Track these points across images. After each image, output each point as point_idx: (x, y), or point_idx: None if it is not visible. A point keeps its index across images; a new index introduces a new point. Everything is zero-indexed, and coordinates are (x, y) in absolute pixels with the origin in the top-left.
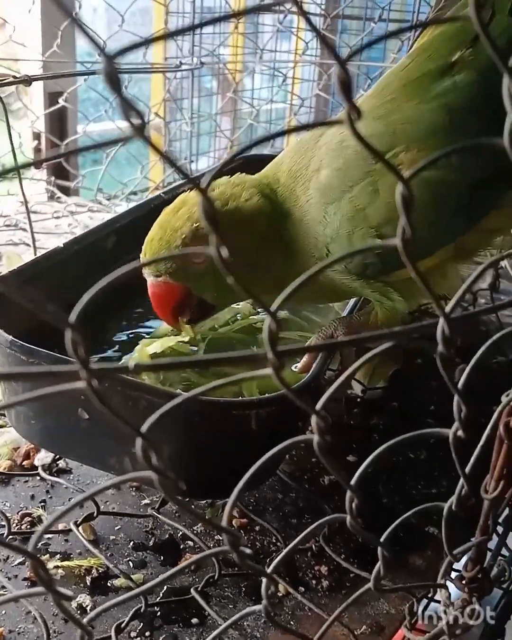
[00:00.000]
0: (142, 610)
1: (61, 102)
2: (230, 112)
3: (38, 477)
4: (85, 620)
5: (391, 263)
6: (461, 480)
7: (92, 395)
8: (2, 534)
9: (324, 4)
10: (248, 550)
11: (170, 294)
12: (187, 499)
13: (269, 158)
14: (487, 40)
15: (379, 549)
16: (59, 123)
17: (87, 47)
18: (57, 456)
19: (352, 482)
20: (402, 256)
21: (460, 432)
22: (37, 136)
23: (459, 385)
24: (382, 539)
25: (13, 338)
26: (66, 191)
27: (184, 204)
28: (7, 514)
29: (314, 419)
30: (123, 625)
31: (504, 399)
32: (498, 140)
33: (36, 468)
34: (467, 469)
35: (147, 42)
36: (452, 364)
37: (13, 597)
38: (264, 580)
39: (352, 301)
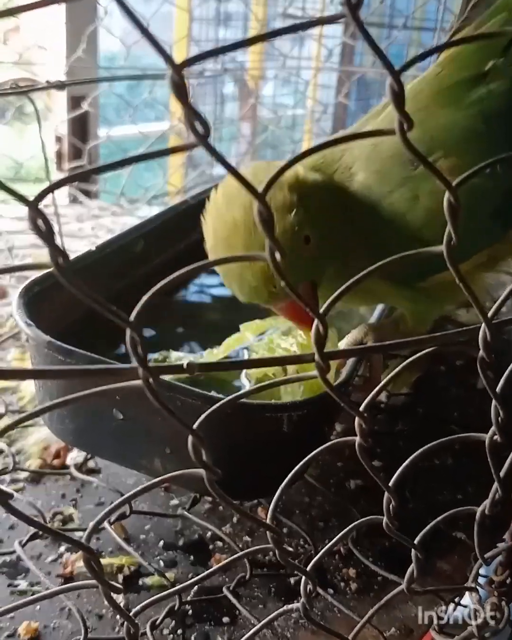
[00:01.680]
0: (176, 608)
1: (85, 106)
2: (250, 118)
3: (68, 476)
4: (131, 613)
5: (430, 268)
6: (495, 485)
7: (149, 394)
8: (37, 533)
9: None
10: (289, 548)
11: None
12: (212, 499)
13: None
14: None
15: (413, 551)
16: (81, 127)
17: (108, 51)
18: (88, 455)
19: (390, 483)
20: (448, 262)
21: (497, 437)
22: (59, 139)
23: (498, 389)
24: (416, 541)
25: (51, 339)
26: (88, 194)
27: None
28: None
29: (356, 421)
30: (158, 622)
31: None
32: None
33: (66, 467)
34: (501, 473)
35: (224, 49)
36: (492, 369)
37: (60, 590)
38: (303, 578)
39: (380, 307)
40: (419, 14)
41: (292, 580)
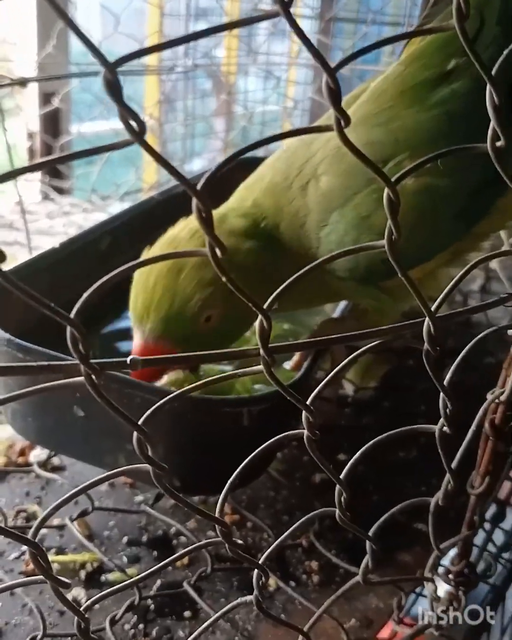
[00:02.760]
0: (136, 602)
1: (55, 102)
2: (224, 114)
3: (33, 474)
4: (81, 608)
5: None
6: (447, 476)
7: (91, 390)
8: None
9: (319, 7)
10: (239, 541)
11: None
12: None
13: (263, 160)
14: (471, 53)
15: (367, 542)
16: (52, 123)
17: (81, 47)
18: (52, 453)
19: (341, 476)
20: (390, 258)
21: (446, 428)
22: (31, 136)
23: (445, 382)
24: (370, 533)
25: (10, 336)
26: (60, 191)
27: (186, 264)
28: (3, 510)
29: (304, 414)
30: (117, 617)
31: (489, 396)
32: (482, 145)
33: (31, 465)
34: (453, 465)
35: (147, 51)
36: (438, 363)
37: (10, 585)
38: (255, 571)
39: (343, 303)
40: (393, 10)
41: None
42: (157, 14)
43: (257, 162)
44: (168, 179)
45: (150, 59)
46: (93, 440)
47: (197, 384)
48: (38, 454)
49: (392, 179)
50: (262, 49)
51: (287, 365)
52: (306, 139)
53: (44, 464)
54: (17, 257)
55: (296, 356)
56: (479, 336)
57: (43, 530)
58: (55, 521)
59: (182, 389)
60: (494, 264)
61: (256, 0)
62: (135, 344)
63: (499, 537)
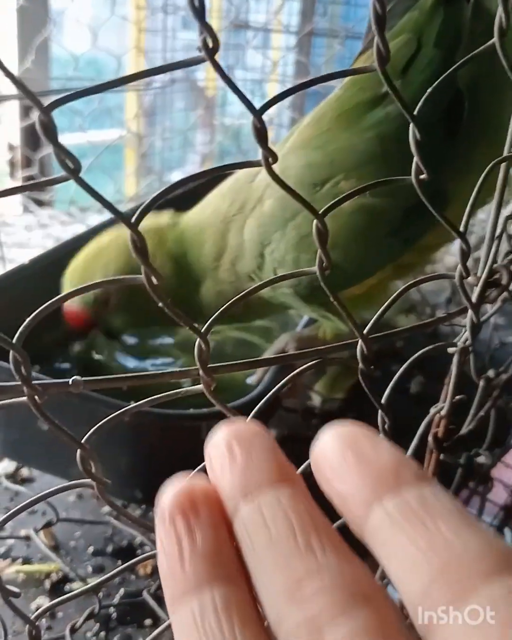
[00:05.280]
0: (96, 611)
1: (34, 116)
2: (205, 126)
3: (2, 486)
4: (32, 616)
5: (336, 285)
6: None
7: (34, 410)
8: None
9: (298, 24)
10: None
11: (75, 315)
12: (144, 506)
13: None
14: (393, 93)
15: None
16: (33, 136)
17: (62, 59)
18: (20, 465)
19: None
20: (322, 283)
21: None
22: (11, 148)
23: (383, 399)
24: None
25: None
26: (40, 203)
27: (106, 246)
28: None
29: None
30: (77, 625)
31: (432, 410)
32: (408, 178)
33: None
34: None
35: (89, 91)
36: (373, 380)
37: None
38: None
39: (305, 317)
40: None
41: None
42: (136, 29)
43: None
44: (147, 191)
45: (130, 72)
46: (57, 453)
47: (145, 401)
48: (6, 465)
49: (320, 211)
50: (240, 64)
51: (251, 380)
52: (252, 172)
53: (12, 476)
54: None
55: (259, 370)
56: (410, 359)
57: (10, 541)
58: (21, 532)
59: (136, 404)
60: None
61: (231, 17)
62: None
63: None
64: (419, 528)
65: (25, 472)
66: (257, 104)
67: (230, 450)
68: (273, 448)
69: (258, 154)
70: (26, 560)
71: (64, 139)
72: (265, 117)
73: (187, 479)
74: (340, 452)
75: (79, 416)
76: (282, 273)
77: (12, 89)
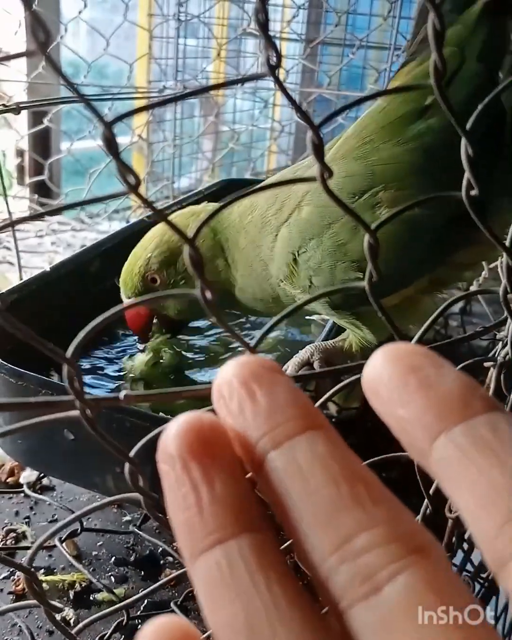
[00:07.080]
0: (124, 623)
1: (45, 122)
2: (212, 134)
3: (22, 494)
4: (73, 631)
5: (377, 295)
6: (426, 500)
7: (87, 425)
8: None
9: (305, 32)
10: None
11: (136, 313)
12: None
13: (249, 182)
14: (446, 108)
15: None
16: (42, 141)
17: (71, 66)
18: (42, 474)
19: None
20: (370, 297)
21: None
22: (20, 153)
23: None
24: None
25: (1, 361)
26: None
27: (153, 234)
28: None
29: None
30: (106, 637)
31: None
32: (458, 194)
33: (20, 485)
34: (431, 490)
35: (134, 111)
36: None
37: (5, 610)
38: None
39: (328, 326)
40: (378, 36)
41: None
42: (146, 36)
43: (243, 183)
44: (157, 198)
45: (139, 80)
46: (81, 462)
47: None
48: (28, 474)
49: (372, 226)
50: (250, 72)
51: None
52: (292, 172)
53: (33, 485)
54: (6, 276)
55: None
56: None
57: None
58: (35, 545)
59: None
60: (475, 287)
61: (243, 25)
62: None
63: (477, 557)
64: (492, 460)
65: (45, 480)
66: (264, 109)
67: (248, 389)
68: (296, 389)
69: (264, 163)
70: (49, 571)
71: (77, 145)
72: (276, 125)
73: (192, 414)
74: (401, 375)
75: (108, 426)
76: (317, 280)
77: (23, 93)
